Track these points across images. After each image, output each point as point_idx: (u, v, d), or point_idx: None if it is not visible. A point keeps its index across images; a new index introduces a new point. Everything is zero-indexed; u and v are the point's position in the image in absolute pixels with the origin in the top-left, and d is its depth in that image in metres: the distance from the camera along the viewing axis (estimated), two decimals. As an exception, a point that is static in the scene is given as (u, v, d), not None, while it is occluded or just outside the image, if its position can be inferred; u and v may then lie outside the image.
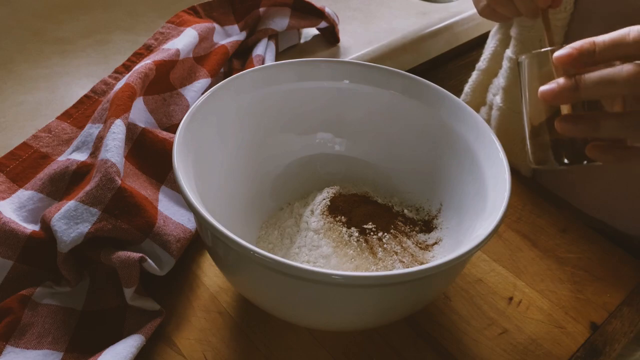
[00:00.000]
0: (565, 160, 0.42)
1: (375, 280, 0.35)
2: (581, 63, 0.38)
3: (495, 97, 0.64)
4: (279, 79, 0.52)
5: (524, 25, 0.58)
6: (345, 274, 0.34)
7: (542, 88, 0.39)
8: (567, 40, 0.55)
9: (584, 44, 0.38)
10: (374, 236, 0.48)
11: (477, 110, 0.69)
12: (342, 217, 0.49)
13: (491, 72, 0.67)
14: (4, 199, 0.50)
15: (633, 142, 0.40)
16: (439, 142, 0.51)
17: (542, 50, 0.42)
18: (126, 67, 0.67)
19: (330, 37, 0.79)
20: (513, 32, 0.60)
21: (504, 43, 0.65)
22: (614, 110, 0.40)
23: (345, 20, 0.83)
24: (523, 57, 0.43)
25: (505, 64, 0.62)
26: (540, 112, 0.43)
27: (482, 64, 0.69)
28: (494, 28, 0.68)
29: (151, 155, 0.54)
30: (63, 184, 0.51)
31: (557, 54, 0.38)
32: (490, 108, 0.66)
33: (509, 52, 0.62)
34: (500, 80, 0.63)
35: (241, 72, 0.50)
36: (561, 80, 0.38)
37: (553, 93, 0.38)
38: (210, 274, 0.50)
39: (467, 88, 0.72)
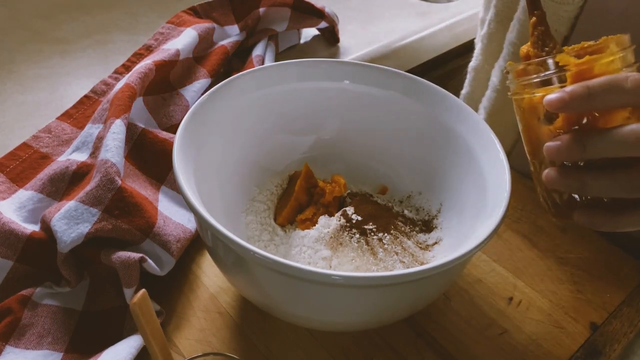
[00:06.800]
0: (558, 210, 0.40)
1: (375, 280, 0.35)
2: (574, 108, 0.35)
3: (492, 78, 0.62)
4: (279, 79, 0.52)
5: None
6: (345, 274, 0.34)
7: (549, 97, 0.35)
8: (576, 33, 0.53)
9: (576, 88, 0.34)
10: (374, 237, 0.48)
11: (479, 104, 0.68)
12: (343, 218, 0.49)
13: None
14: (4, 199, 0.50)
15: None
16: (438, 142, 0.51)
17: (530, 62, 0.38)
18: (126, 67, 0.67)
19: (330, 37, 0.79)
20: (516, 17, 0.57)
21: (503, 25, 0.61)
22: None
23: (345, 20, 0.83)
24: (509, 67, 0.40)
25: (508, 47, 0.59)
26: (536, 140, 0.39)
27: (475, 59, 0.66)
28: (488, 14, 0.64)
29: (151, 156, 0.54)
30: (63, 184, 0.51)
31: (547, 98, 0.35)
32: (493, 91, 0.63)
33: (511, 37, 0.58)
34: (500, 63, 0.61)
35: (241, 72, 0.50)
36: (570, 88, 0.34)
37: (563, 102, 0.34)
38: (210, 274, 0.50)
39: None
